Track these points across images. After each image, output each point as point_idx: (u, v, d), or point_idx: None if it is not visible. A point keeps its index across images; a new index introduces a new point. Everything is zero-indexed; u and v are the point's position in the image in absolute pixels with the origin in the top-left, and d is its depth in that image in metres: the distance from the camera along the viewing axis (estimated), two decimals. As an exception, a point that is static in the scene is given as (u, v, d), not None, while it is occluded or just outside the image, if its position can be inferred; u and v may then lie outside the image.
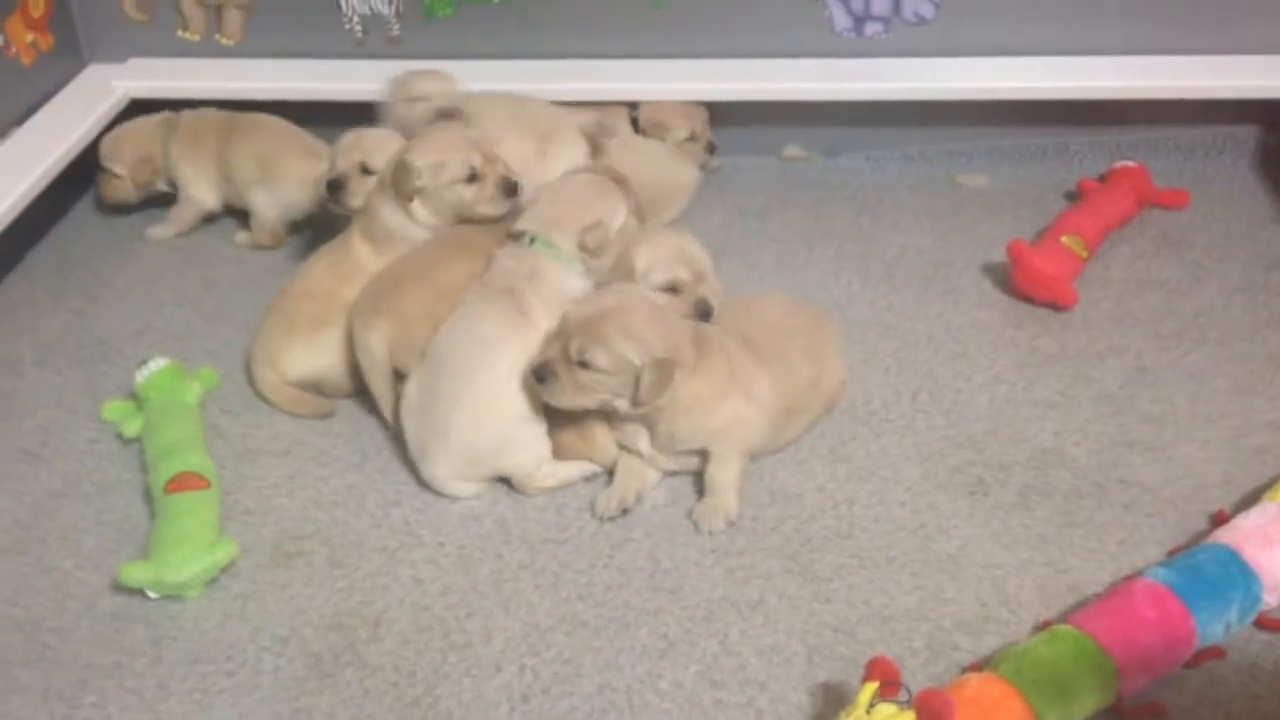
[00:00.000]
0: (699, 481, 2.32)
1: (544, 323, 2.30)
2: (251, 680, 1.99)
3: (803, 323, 2.47)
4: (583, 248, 2.36)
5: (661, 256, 2.39)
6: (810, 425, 2.44)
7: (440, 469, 2.30)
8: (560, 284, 2.35)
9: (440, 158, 2.52)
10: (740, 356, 2.31)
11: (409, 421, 2.34)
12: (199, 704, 1.96)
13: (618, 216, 2.42)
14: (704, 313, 2.37)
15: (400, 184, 2.52)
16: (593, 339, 2.14)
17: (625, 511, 2.28)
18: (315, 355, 2.56)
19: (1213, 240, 3.04)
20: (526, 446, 2.30)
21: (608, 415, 2.28)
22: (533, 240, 2.38)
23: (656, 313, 2.23)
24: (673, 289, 2.37)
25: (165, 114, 3.28)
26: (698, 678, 1.96)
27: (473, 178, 2.53)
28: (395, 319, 2.41)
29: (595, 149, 3.02)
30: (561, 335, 2.20)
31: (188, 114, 3.26)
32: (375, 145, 2.72)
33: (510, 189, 2.54)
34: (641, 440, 2.31)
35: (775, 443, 2.38)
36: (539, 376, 2.19)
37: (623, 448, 2.34)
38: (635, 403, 2.19)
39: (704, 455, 2.30)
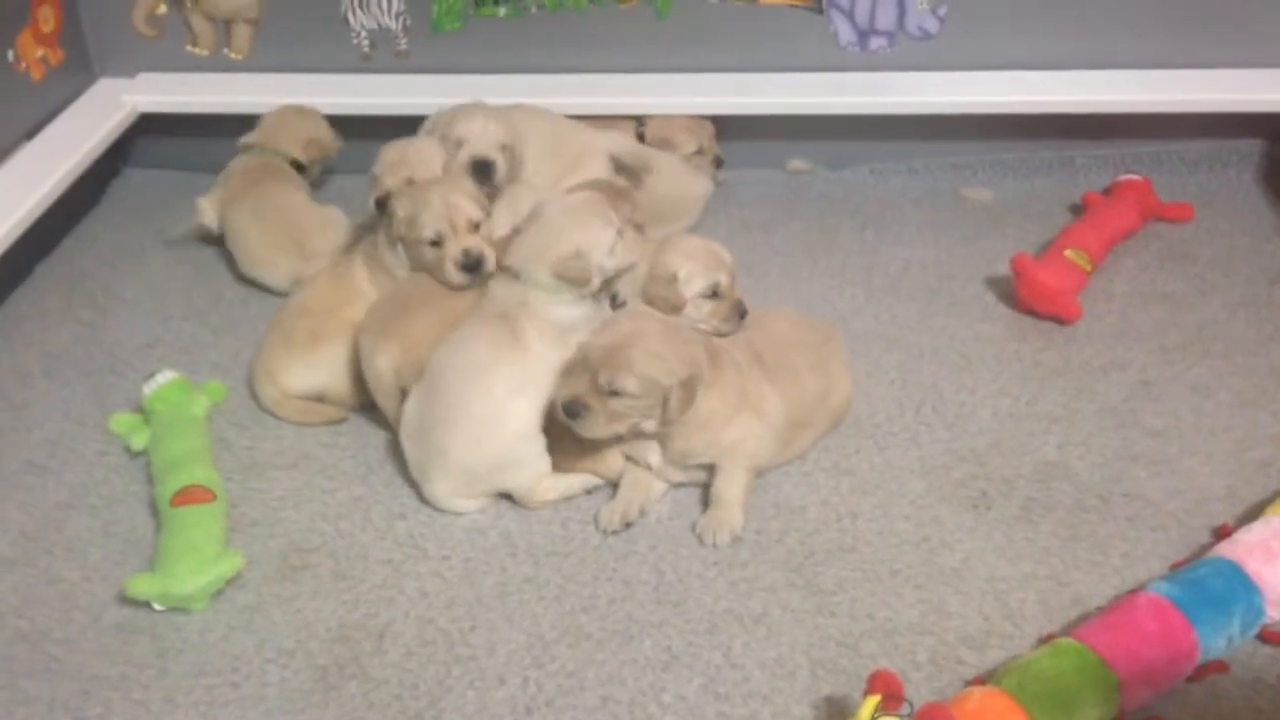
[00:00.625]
0: (704, 494, 2.33)
1: (538, 347, 2.30)
2: (257, 692, 2.00)
3: (810, 337, 2.48)
4: (561, 278, 2.33)
5: (700, 263, 2.42)
6: (816, 440, 2.45)
7: (439, 488, 2.32)
8: (548, 313, 2.34)
9: (415, 213, 2.51)
10: (750, 371, 2.32)
11: (408, 443, 2.35)
12: (204, 716, 1.96)
13: (601, 240, 2.36)
14: (742, 313, 2.43)
15: (387, 225, 2.56)
16: (620, 366, 2.15)
17: (628, 525, 2.28)
18: (313, 371, 2.58)
19: (1217, 254, 3.04)
20: (525, 464, 2.31)
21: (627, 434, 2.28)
22: (518, 273, 2.38)
23: (672, 332, 2.24)
24: (714, 293, 2.41)
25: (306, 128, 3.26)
26: (701, 690, 1.97)
27: (436, 243, 2.49)
28: (401, 343, 2.42)
29: (634, 180, 3.03)
30: (583, 367, 2.19)
31: (242, 160, 3.18)
32: (419, 160, 2.73)
33: (470, 265, 2.46)
34: (652, 454, 2.32)
35: (782, 457, 2.38)
36: (571, 413, 2.19)
37: (629, 459, 2.35)
38: (663, 422, 2.20)
39: (711, 468, 2.32)
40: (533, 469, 2.32)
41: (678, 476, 2.35)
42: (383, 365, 2.43)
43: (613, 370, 2.15)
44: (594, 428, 2.19)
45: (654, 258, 2.43)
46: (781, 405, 2.32)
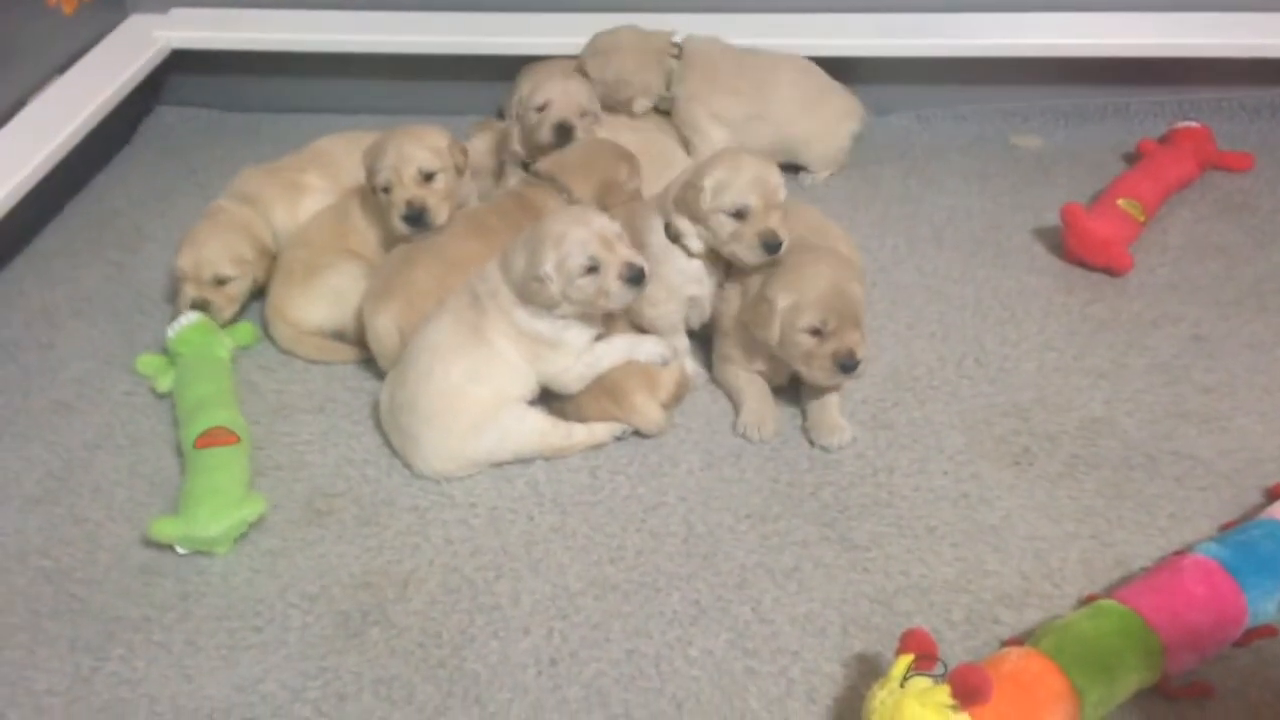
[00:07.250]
0: (733, 451, 2.29)
1: (500, 343, 2.23)
2: (279, 637, 1.98)
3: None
4: (522, 296, 2.22)
5: (734, 177, 2.27)
6: None
7: (425, 469, 2.27)
8: (512, 313, 2.23)
9: (371, 162, 2.51)
10: None
11: (388, 428, 2.33)
12: (225, 659, 1.95)
13: (571, 263, 2.17)
14: (771, 246, 2.27)
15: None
16: (852, 300, 2.22)
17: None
18: (313, 302, 2.56)
19: (1277, 205, 2.93)
20: (506, 433, 2.24)
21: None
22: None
23: (823, 249, 2.33)
24: (738, 214, 2.27)
25: None
26: (729, 645, 1.92)
27: (387, 190, 2.47)
28: (406, 296, 2.38)
29: None
30: (821, 326, 2.21)
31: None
32: (580, 90, 2.77)
33: (412, 216, 2.44)
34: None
35: None
36: (853, 367, 2.22)
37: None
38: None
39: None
40: (518, 433, 2.25)
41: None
42: (382, 325, 2.39)
43: (856, 307, 2.23)
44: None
45: (694, 166, 2.36)
46: None
